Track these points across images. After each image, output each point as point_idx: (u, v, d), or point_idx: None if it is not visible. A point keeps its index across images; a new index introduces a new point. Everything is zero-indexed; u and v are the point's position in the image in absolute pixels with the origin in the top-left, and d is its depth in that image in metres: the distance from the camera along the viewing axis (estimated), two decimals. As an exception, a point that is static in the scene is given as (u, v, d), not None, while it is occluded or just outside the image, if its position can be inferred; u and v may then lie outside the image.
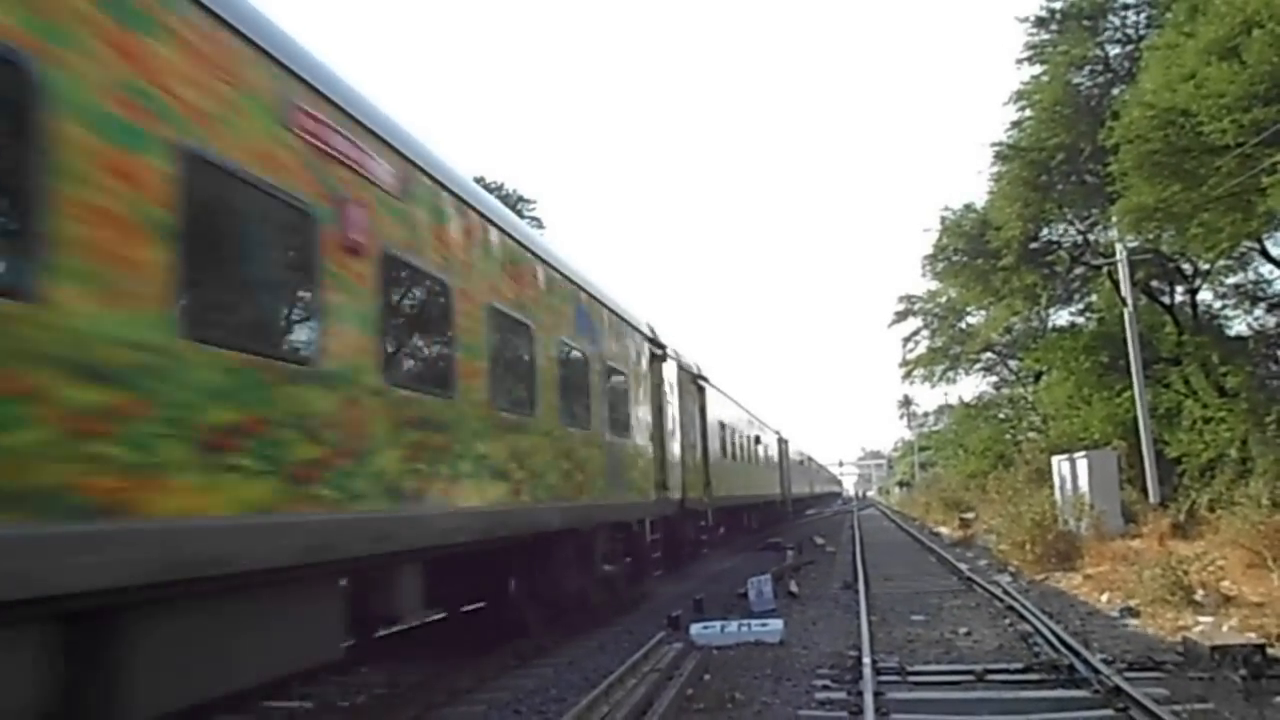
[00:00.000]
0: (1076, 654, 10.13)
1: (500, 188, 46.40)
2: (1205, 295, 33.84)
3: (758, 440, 34.61)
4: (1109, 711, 7.98)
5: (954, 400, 67.08)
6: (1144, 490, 25.90)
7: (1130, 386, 27.47)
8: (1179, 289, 33.07)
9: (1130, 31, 30.73)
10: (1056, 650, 10.59)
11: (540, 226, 47.68)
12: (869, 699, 8.41)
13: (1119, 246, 27.59)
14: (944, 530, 39.69)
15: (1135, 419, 26.87)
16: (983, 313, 45.42)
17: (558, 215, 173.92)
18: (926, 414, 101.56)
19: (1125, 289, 27.36)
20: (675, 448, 18.20)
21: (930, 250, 38.79)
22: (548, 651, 11.90)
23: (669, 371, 18.28)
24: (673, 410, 18.30)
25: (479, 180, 14.52)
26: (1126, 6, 30.62)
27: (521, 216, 34.37)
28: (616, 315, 14.69)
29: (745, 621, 12.75)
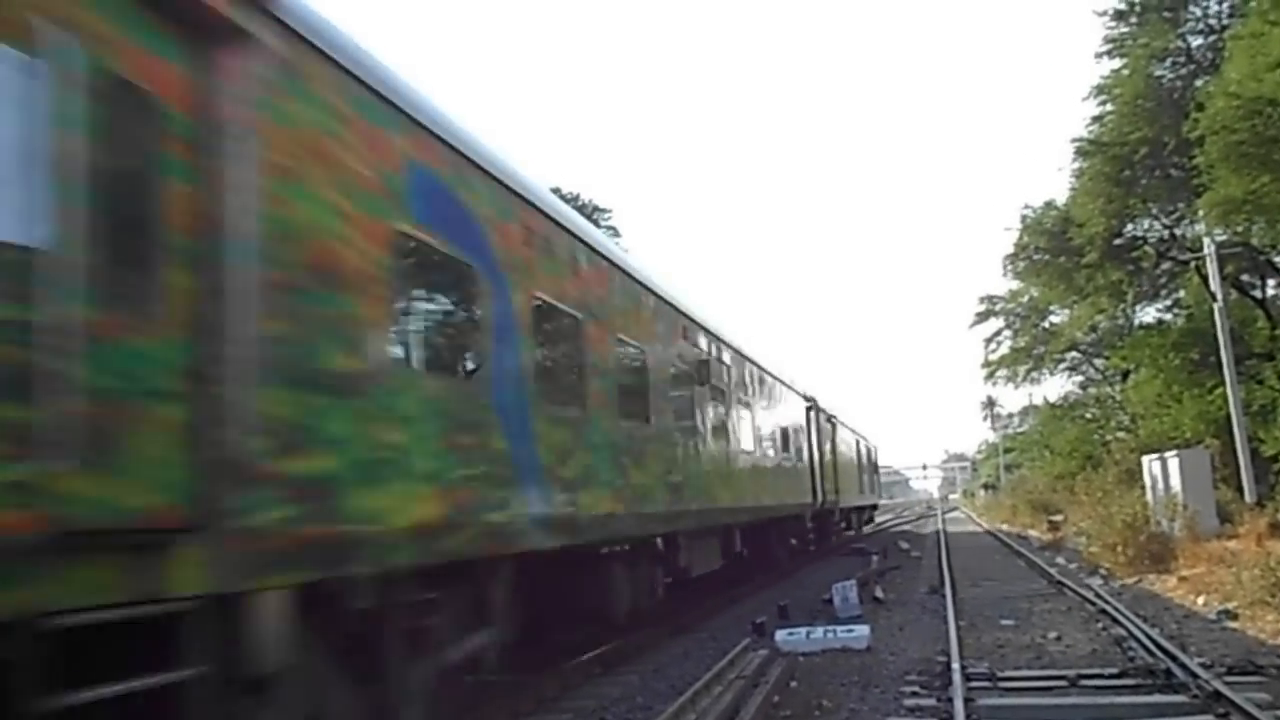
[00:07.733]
0: (1173, 658, 9.91)
1: (576, 198, 46.56)
2: (1299, 289, 33.08)
3: (864, 454, 42.41)
4: (1209, 717, 7.77)
5: (1038, 401, 65.92)
6: (1239, 489, 25.31)
7: (1222, 383, 26.92)
8: (1270, 282, 32.45)
9: (1212, 21, 30.28)
10: (1152, 654, 10.38)
11: (617, 235, 47.70)
12: (959, 705, 8.29)
13: (1207, 240, 27.10)
14: (1032, 533, 39.08)
15: (1228, 416, 26.36)
16: (1066, 311, 45.15)
17: (632, 222, 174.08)
18: (1010, 415, 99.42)
19: (1215, 283, 26.76)
20: (818, 465, 26.28)
21: (1011, 249, 38.96)
22: (632, 659, 11.90)
23: (814, 415, 26.84)
24: (815, 439, 26.50)
25: (555, 190, 16.48)
26: (1208, -4, 30.15)
27: (598, 225, 34.78)
28: (796, 392, 24.45)
29: (831, 627, 12.67)
